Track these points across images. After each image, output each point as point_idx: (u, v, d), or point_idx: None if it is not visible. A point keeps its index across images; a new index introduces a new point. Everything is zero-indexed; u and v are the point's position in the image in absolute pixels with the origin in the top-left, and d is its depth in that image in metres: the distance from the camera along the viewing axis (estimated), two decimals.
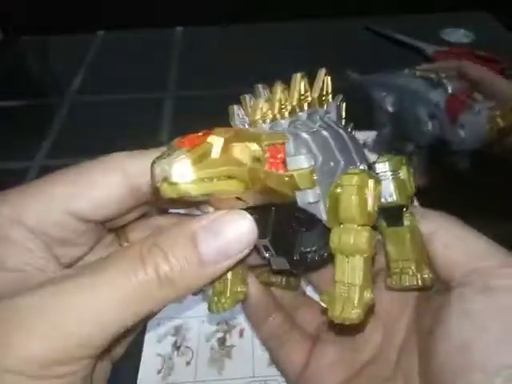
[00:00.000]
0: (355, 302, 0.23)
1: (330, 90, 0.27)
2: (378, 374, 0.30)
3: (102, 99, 0.80)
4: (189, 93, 0.79)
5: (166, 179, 0.19)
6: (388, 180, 0.27)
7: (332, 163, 0.24)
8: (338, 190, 0.23)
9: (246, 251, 0.23)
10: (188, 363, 0.42)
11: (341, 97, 0.29)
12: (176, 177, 0.19)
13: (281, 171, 0.22)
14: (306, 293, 0.37)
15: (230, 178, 0.20)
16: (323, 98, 0.27)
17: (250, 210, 0.24)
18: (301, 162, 0.22)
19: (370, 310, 0.24)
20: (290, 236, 0.26)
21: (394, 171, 0.28)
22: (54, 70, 0.94)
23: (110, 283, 0.21)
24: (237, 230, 0.23)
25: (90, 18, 0.97)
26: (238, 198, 0.22)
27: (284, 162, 0.22)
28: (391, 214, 0.28)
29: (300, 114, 0.25)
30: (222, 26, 0.94)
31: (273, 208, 0.25)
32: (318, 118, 0.26)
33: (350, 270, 0.23)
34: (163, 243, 0.22)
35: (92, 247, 0.28)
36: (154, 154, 0.25)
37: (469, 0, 0.94)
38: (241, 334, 0.44)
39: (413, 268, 0.28)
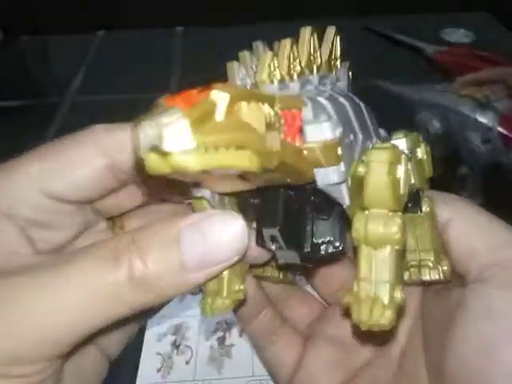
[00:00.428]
0: (385, 302, 0.19)
1: (339, 54, 0.24)
2: (378, 376, 0.28)
3: (102, 99, 0.80)
4: None
5: (154, 148, 0.14)
6: None
7: (352, 136, 0.21)
8: (361, 169, 0.20)
9: (236, 258, 0.21)
10: (187, 362, 0.42)
11: (348, 63, 0.25)
12: (170, 144, 0.14)
13: (298, 143, 0.18)
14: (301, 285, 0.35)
15: (240, 148, 0.15)
16: (332, 62, 0.23)
17: (253, 192, 0.21)
18: (324, 132, 0.18)
19: (400, 313, 0.21)
20: (301, 224, 0.22)
21: (412, 150, 0.24)
22: (54, 70, 0.94)
23: (81, 279, 0.19)
24: (227, 235, 0.20)
25: (90, 18, 0.97)
26: (241, 177, 0.18)
27: (301, 132, 0.18)
28: (409, 199, 0.24)
29: (310, 76, 0.21)
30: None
31: (281, 190, 0.21)
32: (328, 82, 0.22)
33: (378, 265, 0.20)
34: (142, 241, 0.19)
35: (80, 232, 0.25)
36: None
37: (469, 0, 0.94)
38: (240, 333, 0.44)
39: (432, 259, 0.25)
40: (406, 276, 0.26)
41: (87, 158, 0.23)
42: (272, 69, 0.20)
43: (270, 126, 0.16)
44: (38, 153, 0.23)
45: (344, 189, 0.20)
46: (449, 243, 0.25)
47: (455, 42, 0.89)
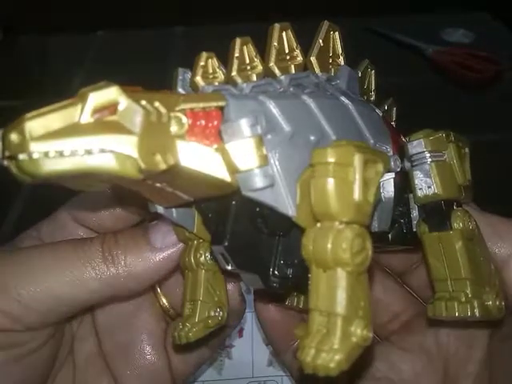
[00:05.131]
0: (335, 341, 0.15)
1: (340, 51, 0.22)
2: None
3: None
4: None
5: (6, 157, 0.14)
6: (426, 164, 0.20)
7: (312, 137, 0.18)
8: (307, 173, 0.17)
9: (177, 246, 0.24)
10: None
11: (366, 62, 0.23)
12: (13, 149, 0.14)
13: (215, 144, 0.16)
14: None
15: (106, 150, 0.14)
16: (330, 60, 0.21)
17: (207, 204, 0.19)
18: (242, 130, 0.16)
19: (367, 356, 0.17)
20: (261, 242, 0.19)
21: (436, 152, 0.20)
22: (54, 70, 0.94)
23: (57, 252, 0.23)
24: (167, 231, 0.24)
25: (90, 18, 0.97)
26: (148, 184, 0.16)
27: (220, 133, 0.16)
28: (433, 213, 0.20)
29: (281, 77, 0.20)
30: None
31: (233, 202, 0.18)
32: (308, 83, 0.20)
33: (327, 293, 0.15)
34: (117, 235, 0.24)
35: None
36: None
37: (469, 0, 0.94)
38: (240, 333, 0.44)
39: (468, 292, 0.20)
40: (430, 310, 0.21)
41: None
42: (211, 70, 0.19)
43: (155, 125, 0.15)
44: None
45: (282, 195, 0.16)
46: (506, 286, 0.21)
47: (455, 41, 0.89)
